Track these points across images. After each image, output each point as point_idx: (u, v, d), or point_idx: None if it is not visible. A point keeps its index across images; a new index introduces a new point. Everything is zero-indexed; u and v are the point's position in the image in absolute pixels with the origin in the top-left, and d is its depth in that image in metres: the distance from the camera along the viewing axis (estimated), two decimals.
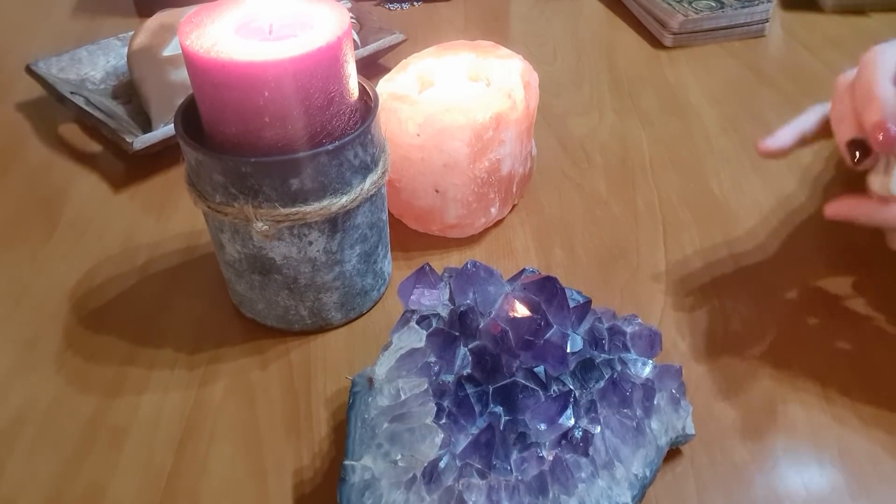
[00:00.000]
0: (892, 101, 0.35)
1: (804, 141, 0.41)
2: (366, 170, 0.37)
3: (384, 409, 0.32)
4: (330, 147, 0.34)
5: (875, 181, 0.36)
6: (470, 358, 0.32)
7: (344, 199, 0.36)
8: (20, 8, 0.80)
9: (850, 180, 0.51)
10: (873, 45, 0.38)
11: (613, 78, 0.66)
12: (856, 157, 0.36)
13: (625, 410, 0.32)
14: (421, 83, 0.48)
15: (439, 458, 0.29)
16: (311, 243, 0.37)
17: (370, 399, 0.32)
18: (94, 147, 0.58)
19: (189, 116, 0.36)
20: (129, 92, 0.61)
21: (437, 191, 0.45)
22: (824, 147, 0.55)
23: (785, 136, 0.41)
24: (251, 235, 0.36)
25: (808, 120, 0.41)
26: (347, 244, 0.38)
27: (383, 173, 0.38)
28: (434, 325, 0.33)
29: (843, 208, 0.37)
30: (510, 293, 0.33)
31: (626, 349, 0.34)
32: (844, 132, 0.37)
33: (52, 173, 0.55)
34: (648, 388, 0.32)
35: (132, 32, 0.62)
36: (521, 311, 0.32)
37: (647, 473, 0.32)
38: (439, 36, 0.64)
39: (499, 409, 0.31)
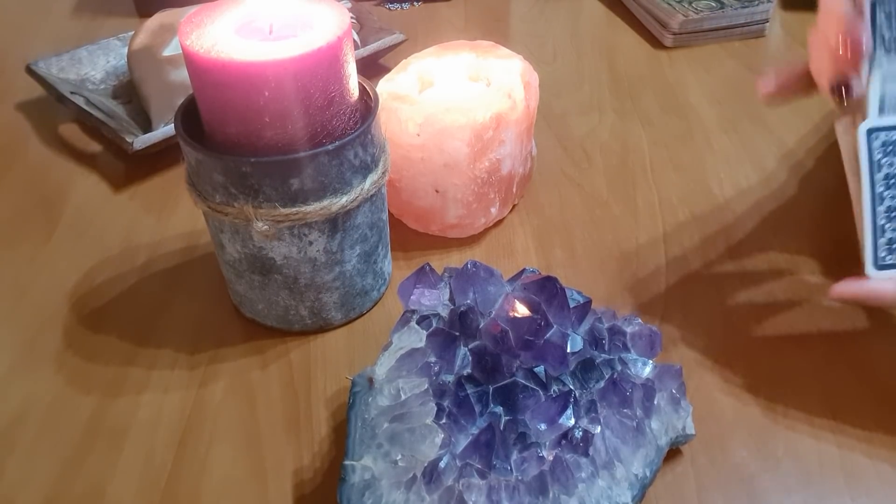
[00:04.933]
0: (850, 13, 0.35)
1: (799, 85, 0.39)
2: (366, 170, 0.37)
3: (384, 409, 0.32)
4: (330, 147, 0.34)
5: (839, 127, 0.37)
6: (470, 358, 0.32)
7: (344, 199, 0.36)
8: (20, 8, 0.80)
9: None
10: None
11: (613, 78, 0.66)
12: (843, 98, 0.36)
13: (625, 410, 0.32)
14: (421, 83, 0.48)
15: (439, 458, 0.29)
16: (311, 243, 0.37)
17: (370, 399, 0.32)
18: (94, 147, 0.58)
19: (189, 116, 0.36)
20: (129, 92, 0.61)
21: (437, 191, 0.45)
22: (824, 148, 0.55)
23: (777, 76, 0.40)
24: (251, 235, 0.36)
25: (797, 65, 0.40)
26: (347, 244, 0.38)
27: (383, 173, 0.38)
28: (434, 325, 0.33)
29: (849, 291, 0.37)
30: (510, 293, 0.33)
31: (626, 349, 0.34)
32: (825, 79, 0.36)
33: (52, 173, 0.55)
34: (648, 388, 0.32)
35: (132, 32, 0.62)
36: (521, 311, 0.32)
37: (647, 473, 0.32)
38: (439, 36, 0.64)
39: (499, 409, 0.31)
